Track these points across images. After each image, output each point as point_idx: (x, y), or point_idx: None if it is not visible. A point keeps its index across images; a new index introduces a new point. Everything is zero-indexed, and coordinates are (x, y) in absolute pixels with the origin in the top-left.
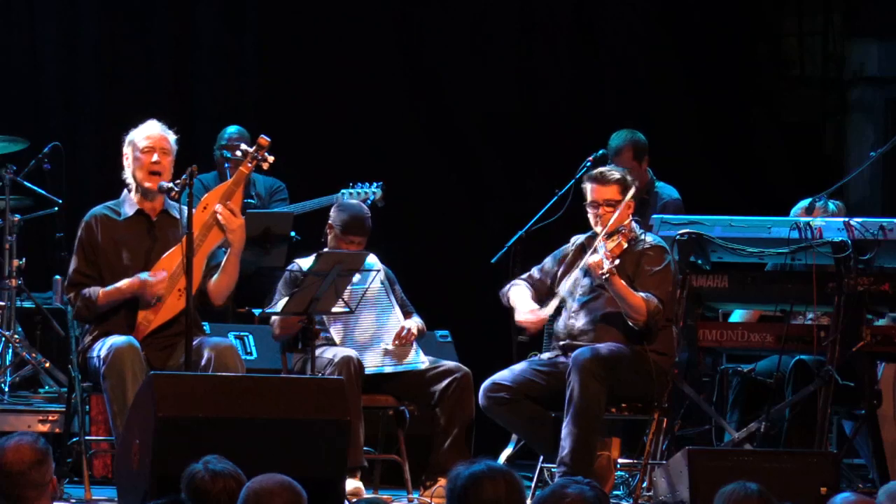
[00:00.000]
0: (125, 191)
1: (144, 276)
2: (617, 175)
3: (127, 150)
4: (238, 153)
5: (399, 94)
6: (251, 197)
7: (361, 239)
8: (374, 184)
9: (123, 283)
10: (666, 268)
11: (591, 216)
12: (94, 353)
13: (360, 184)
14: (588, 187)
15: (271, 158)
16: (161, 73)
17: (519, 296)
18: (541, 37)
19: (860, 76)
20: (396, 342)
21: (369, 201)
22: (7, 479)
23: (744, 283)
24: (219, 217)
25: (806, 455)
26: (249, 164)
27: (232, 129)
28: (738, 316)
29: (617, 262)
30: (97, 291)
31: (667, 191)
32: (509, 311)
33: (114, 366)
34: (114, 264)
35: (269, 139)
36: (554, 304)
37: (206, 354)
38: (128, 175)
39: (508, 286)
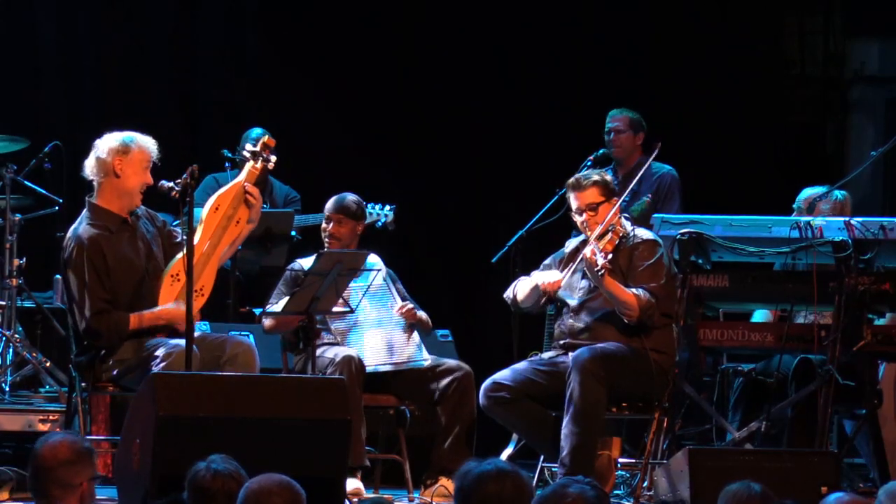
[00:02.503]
0: (90, 201)
1: (172, 306)
2: (593, 178)
3: (125, 157)
4: (245, 153)
5: (398, 94)
6: (264, 202)
7: (339, 217)
8: (388, 206)
9: (153, 314)
10: (658, 261)
11: (578, 223)
12: (124, 355)
13: (372, 203)
14: (569, 196)
15: (274, 158)
16: (163, 73)
17: (528, 280)
18: (541, 37)
19: (860, 76)
20: (397, 313)
21: (380, 223)
22: (38, 472)
23: (744, 283)
24: (248, 191)
25: (806, 454)
26: (258, 165)
27: (258, 132)
28: (760, 316)
29: (610, 256)
30: (126, 319)
31: (661, 167)
32: (515, 310)
33: (172, 367)
34: (123, 280)
35: (274, 140)
36: (568, 273)
37: (228, 349)
38: (101, 178)
39: (513, 284)
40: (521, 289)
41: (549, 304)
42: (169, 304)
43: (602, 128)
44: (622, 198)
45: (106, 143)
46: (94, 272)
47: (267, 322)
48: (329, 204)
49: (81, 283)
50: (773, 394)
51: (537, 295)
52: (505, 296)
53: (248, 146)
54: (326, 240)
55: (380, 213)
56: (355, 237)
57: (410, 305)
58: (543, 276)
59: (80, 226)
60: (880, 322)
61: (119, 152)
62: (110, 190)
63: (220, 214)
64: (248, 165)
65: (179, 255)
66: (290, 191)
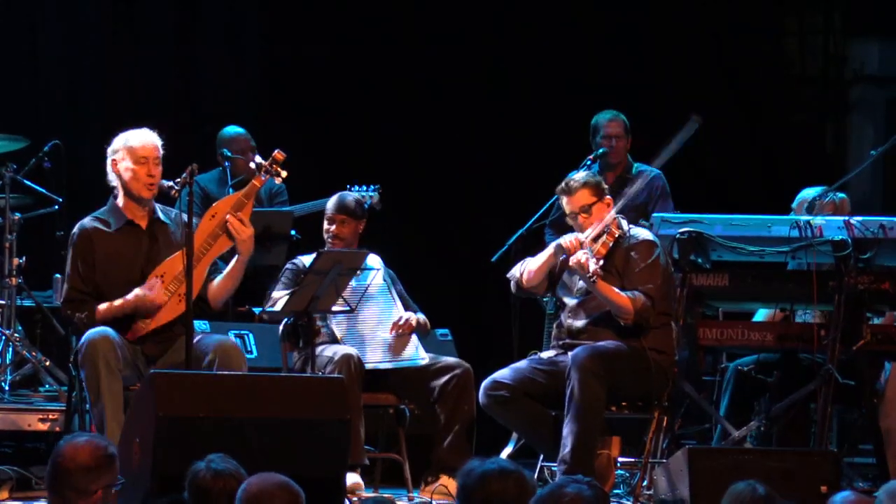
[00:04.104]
0: (111, 199)
1: (139, 291)
2: (582, 180)
3: (117, 157)
4: (252, 165)
5: (398, 93)
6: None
7: (343, 217)
8: (371, 187)
9: (121, 301)
10: (654, 262)
11: (574, 227)
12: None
13: (356, 186)
14: (561, 201)
15: (284, 173)
16: (162, 71)
17: (538, 257)
18: (540, 36)
19: (861, 75)
20: (394, 332)
21: (366, 204)
22: (56, 473)
23: (744, 282)
24: (228, 227)
25: (806, 453)
26: (263, 178)
27: (236, 130)
28: (762, 315)
29: (601, 262)
30: (94, 309)
31: (653, 171)
32: (518, 291)
33: (87, 356)
34: (111, 278)
35: (284, 154)
36: (595, 232)
37: (209, 355)
38: (115, 181)
39: (520, 263)
40: (529, 267)
41: (553, 287)
42: (136, 291)
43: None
44: (628, 196)
45: (110, 148)
46: (76, 262)
47: (267, 315)
48: (331, 205)
49: (66, 270)
50: (764, 389)
51: (547, 271)
52: (509, 274)
53: (258, 158)
54: (330, 240)
55: (365, 195)
56: (357, 236)
57: (405, 319)
58: (567, 236)
59: (85, 217)
60: (877, 321)
61: (114, 153)
62: (120, 190)
63: (214, 223)
64: (253, 178)
65: (168, 258)
66: (273, 181)
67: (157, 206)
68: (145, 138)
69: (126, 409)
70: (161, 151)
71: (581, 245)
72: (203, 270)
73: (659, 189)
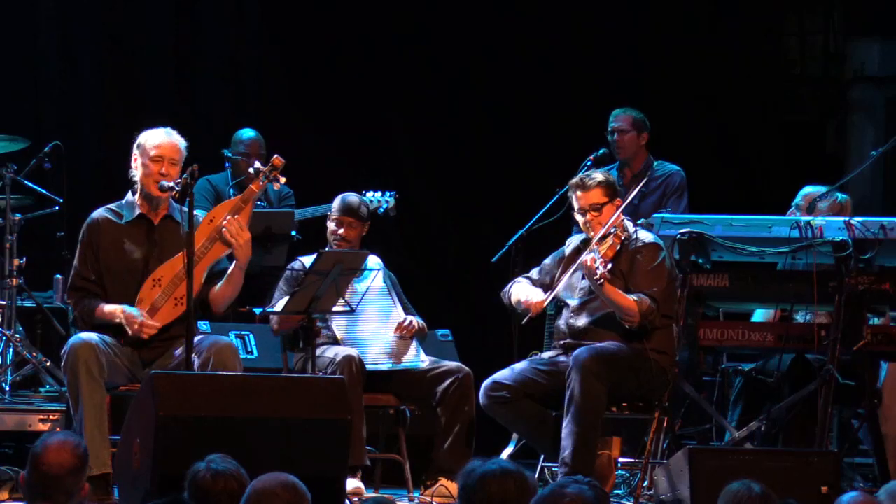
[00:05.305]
0: (129, 192)
1: (139, 315)
2: (598, 178)
3: (136, 152)
4: (251, 170)
5: (397, 95)
6: (260, 200)
7: (350, 220)
8: (388, 193)
9: (121, 310)
10: (660, 265)
11: (581, 223)
12: None
13: (372, 191)
14: (573, 195)
15: (283, 179)
16: (163, 73)
17: (521, 288)
18: (541, 36)
19: (861, 75)
20: (397, 333)
21: (381, 210)
22: (44, 479)
23: (744, 283)
24: (223, 233)
25: (807, 454)
26: (261, 183)
27: (247, 133)
28: (759, 316)
29: (610, 265)
30: (96, 306)
31: (669, 167)
32: (511, 310)
33: (68, 363)
34: (113, 268)
35: (283, 160)
36: (551, 296)
37: (204, 354)
38: (135, 176)
39: (509, 285)
40: (515, 293)
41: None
42: (131, 310)
43: (602, 127)
44: (629, 199)
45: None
46: (82, 250)
47: (275, 326)
48: (336, 206)
49: (75, 257)
50: (773, 393)
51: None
52: (501, 294)
53: (257, 163)
54: (335, 242)
55: (380, 200)
56: (360, 239)
57: (409, 321)
58: (528, 294)
59: (101, 207)
60: (875, 321)
61: (136, 147)
62: (138, 185)
63: (212, 227)
64: (252, 184)
65: (169, 260)
66: (284, 187)
67: (175, 206)
68: (159, 136)
69: (117, 410)
70: (182, 153)
71: (542, 305)
72: (201, 273)
73: (674, 187)
